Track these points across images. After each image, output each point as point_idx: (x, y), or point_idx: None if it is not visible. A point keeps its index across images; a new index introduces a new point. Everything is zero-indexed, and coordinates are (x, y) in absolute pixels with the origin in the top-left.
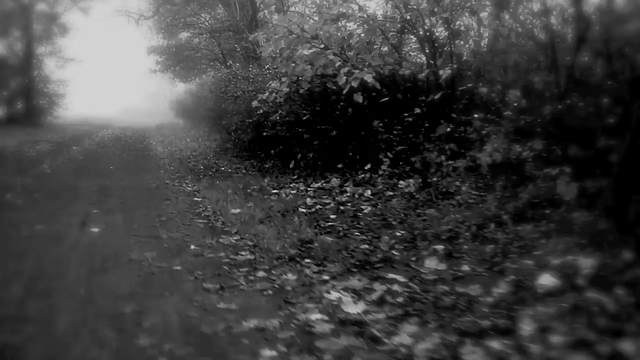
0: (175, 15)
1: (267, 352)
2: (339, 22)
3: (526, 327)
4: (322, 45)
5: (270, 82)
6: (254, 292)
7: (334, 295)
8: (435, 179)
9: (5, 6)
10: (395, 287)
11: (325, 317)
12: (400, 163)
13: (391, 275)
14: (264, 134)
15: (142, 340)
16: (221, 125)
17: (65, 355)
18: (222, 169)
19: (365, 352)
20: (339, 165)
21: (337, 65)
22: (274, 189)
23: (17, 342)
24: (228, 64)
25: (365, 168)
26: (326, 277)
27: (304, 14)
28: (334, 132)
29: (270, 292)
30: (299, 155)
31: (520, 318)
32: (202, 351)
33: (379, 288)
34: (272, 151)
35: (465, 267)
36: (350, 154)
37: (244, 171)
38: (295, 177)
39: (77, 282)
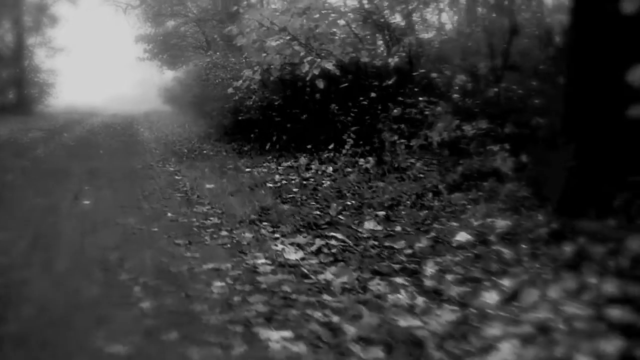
0: (162, 4)
1: (218, 283)
2: (305, 15)
3: (429, 269)
4: (289, 37)
5: (245, 70)
6: (216, 245)
7: (280, 247)
8: (388, 156)
9: None
10: (333, 242)
11: (269, 262)
12: (361, 142)
13: (332, 234)
14: (240, 118)
15: (123, 276)
16: (204, 111)
17: (62, 286)
18: (205, 152)
19: (293, 284)
20: (309, 146)
21: (301, 54)
22: (247, 167)
23: (25, 278)
24: (208, 53)
25: (329, 148)
26: (277, 235)
27: (276, 8)
28: (304, 115)
29: (229, 245)
30: (274, 138)
31: (428, 263)
32: (168, 283)
33: (319, 242)
34: (251, 135)
35: (398, 228)
36: (319, 135)
37: (224, 153)
38: (270, 157)
39: (71, 240)
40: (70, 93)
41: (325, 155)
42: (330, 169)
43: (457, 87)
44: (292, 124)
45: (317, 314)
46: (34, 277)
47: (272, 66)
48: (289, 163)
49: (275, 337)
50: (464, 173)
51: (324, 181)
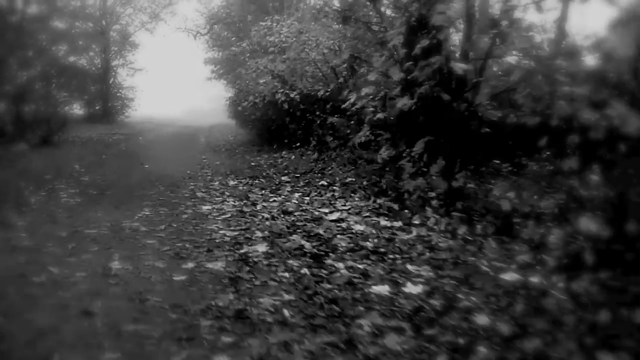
0: (225, 32)
1: (191, 186)
2: (286, 62)
3: (285, 190)
4: (271, 77)
5: (250, 95)
6: (202, 179)
7: (229, 180)
8: (323, 150)
9: (89, 29)
10: (256, 181)
11: (220, 185)
12: (315, 141)
13: (259, 179)
14: (249, 126)
15: (156, 184)
16: (244, 123)
17: (131, 184)
18: (236, 150)
19: (222, 187)
20: (294, 145)
21: (278, 87)
22: (249, 157)
23: (115, 184)
24: (237, 82)
25: (296, 145)
26: (234, 178)
27: (272, 58)
28: (291, 125)
29: (209, 180)
30: (278, 141)
31: (287, 188)
32: (173, 186)
33: (250, 181)
34: (265, 139)
35: (296, 179)
36: (295, 138)
37: (250, 152)
38: (270, 152)
39: (136, 176)
40: (148, 106)
41: (296, 150)
42: (293, 156)
43: (371, 109)
44: (287, 131)
45: (228, 193)
46: (119, 183)
47: (264, 94)
48: (276, 155)
49: (206, 207)
50: (348, 158)
51: (283, 162)
